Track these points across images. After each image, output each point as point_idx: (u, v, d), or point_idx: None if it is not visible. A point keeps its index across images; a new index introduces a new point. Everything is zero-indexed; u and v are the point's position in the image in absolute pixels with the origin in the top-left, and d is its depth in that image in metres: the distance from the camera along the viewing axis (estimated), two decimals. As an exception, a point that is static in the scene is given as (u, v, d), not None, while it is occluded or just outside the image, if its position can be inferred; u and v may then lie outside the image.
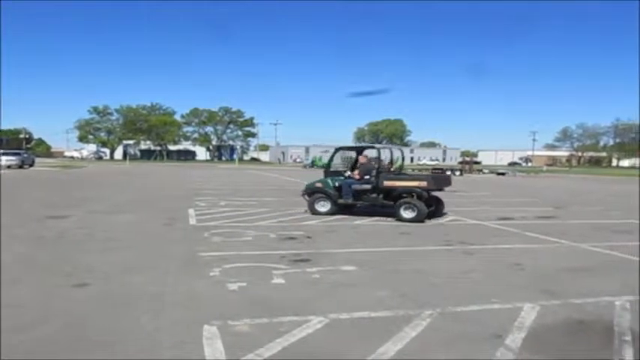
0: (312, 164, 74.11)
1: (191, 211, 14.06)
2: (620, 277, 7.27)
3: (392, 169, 14.77)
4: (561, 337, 4.81)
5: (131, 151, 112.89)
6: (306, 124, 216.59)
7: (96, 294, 5.91)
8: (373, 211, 13.72)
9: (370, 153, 15.17)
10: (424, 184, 13.02)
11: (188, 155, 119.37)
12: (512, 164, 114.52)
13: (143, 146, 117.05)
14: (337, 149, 15.78)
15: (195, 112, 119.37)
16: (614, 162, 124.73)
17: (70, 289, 6.09)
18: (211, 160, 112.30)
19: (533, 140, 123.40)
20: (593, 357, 4.33)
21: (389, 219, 13.02)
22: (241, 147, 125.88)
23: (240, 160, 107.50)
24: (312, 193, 14.17)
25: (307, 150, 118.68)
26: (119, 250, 8.62)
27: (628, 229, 12.53)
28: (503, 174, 55.79)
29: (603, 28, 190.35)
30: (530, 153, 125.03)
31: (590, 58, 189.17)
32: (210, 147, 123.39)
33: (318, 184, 14.14)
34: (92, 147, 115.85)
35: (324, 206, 13.78)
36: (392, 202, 13.09)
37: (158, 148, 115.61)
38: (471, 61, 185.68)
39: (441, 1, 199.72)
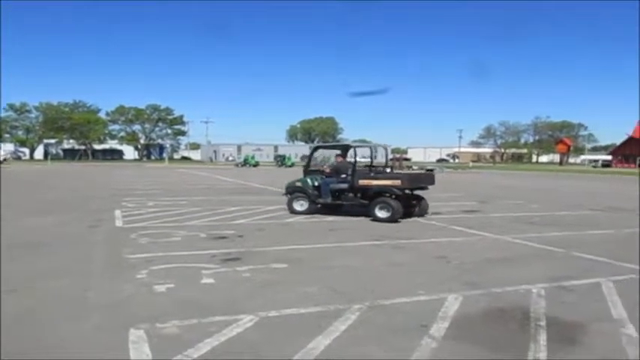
0: (245, 162, 73.55)
1: (117, 212, 13.60)
2: (537, 266, 7.71)
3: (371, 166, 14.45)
4: (482, 324, 5.03)
5: (53, 150, 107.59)
6: (238, 123, 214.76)
7: (13, 300, 5.59)
8: (355, 210, 13.43)
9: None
10: (398, 182, 12.62)
11: (115, 154, 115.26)
12: (440, 161, 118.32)
13: (66, 145, 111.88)
14: (315, 147, 15.59)
15: (121, 110, 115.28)
16: (534, 158, 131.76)
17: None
18: (140, 160, 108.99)
19: (460, 137, 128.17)
20: (511, 342, 4.56)
21: (316, 216, 13.15)
22: (171, 145, 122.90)
23: (171, 159, 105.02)
24: (292, 192, 14.01)
25: (239, 148, 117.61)
26: (40, 254, 8.21)
27: (545, 221, 13.27)
28: (431, 170, 57.50)
29: (526, 30, 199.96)
30: (456, 150, 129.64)
31: (512, 58, 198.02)
32: (139, 146, 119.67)
33: (298, 184, 13.97)
34: (9, 147, 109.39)
35: (302, 205, 13.64)
36: (368, 202, 12.80)
37: (82, 147, 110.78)
38: (402, 61, 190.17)
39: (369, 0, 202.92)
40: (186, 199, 17.82)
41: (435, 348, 4.36)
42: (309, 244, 9.41)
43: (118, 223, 11.87)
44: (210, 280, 6.57)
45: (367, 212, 12.73)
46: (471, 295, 6.00)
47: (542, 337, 4.62)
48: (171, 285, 6.28)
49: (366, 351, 4.32)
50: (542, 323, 5.01)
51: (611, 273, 7.22)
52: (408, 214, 12.87)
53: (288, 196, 14.11)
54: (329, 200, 13.44)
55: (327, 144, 19.00)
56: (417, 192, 13.57)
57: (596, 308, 5.60)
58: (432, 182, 13.94)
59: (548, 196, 22.43)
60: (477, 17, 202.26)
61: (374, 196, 12.73)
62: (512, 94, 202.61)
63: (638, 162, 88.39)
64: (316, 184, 13.69)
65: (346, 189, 13.28)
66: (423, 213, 13.50)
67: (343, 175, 13.46)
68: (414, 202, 13.45)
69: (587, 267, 7.74)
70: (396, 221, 12.13)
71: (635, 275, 7.16)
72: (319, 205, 13.66)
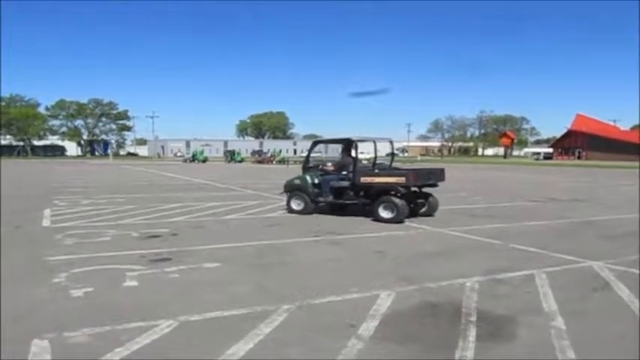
0: (194, 158, 72.33)
1: (47, 212, 12.87)
2: (472, 259, 7.66)
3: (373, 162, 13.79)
4: (412, 321, 4.88)
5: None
6: (187, 118, 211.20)
7: None
8: (361, 210, 12.26)
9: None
10: (403, 180, 11.57)
11: (56, 151, 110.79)
12: (390, 154, 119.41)
13: (3, 141, 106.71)
14: (315, 142, 15.12)
15: (61, 104, 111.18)
16: (480, 151, 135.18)
17: None
18: (83, 156, 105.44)
19: (408, 132, 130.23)
20: (440, 339, 4.42)
21: (254, 212, 12.83)
22: (116, 141, 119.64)
23: (116, 155, 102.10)
24: (290, 190, 13.16)
25: (188, 144, 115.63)
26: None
27: (486, 213, 13.42)
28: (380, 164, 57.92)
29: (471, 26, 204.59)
30: (405, 143, 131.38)
31: (453, 54, 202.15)
32: (82, 142, 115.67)
33: (297, 181, 13.07)
34: None
35: (299, 205, 12.74)
36: (370, 201, 11.83)
37: (21, 143, 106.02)
38: (347, 56, 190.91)
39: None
40: (124, 197, 17.11)
41: (361, 349, 4.17)
42: (245, 241, 9.08)
43: (45, 222, 11.21)
44: (134, 283, 6.18)
45: (371, 212, 11.73)
46: (405, 290, 5.86)
47: (472, 333, 4.50)
48: (90, 289, 5.87)
49: (287, 354, 4.08)
50: (473, 318, 4.91)
51: (545, 264, 7.26)
52: (414, 213, 12.03)
53: (287, 194, 13.26)
54: (330, 199, 12.49)
55: (326, 139, 17.92)
56: (427, 189, 12.61)
57: (527, 301, 5.55)
58: (442, 178, 12.77)
59: (491, 188, 22.85)
60: (422, 9, 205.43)
61: (377, 194, 11.69)
62: (457, 88, 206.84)
63: (577, 154, 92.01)
64: (316, 181, 12.71)
65: (347, 187, 12.31)
66: (431, 212, 12.45)
67: (344, 172, 12.52)
68: (422, 200, 12.52)
69: (523, 258, 7.76)
70: (401, 222, 11.18)
71: (567, 266, 7.24)
72: (321, 204, 12.78)
